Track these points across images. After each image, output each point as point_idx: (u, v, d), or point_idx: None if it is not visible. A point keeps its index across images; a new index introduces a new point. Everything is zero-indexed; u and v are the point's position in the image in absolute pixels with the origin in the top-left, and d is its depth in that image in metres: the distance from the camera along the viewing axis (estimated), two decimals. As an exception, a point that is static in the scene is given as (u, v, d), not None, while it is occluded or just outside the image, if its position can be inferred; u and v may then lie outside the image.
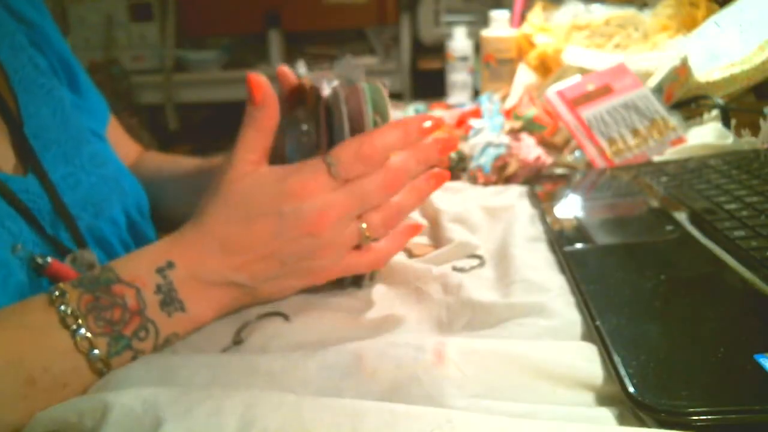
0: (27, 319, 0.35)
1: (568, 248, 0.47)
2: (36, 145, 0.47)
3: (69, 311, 0.35)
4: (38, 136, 0.47)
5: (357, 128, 0.41)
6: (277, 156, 0.51)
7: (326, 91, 0.44)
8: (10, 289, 0.39)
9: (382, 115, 0.42)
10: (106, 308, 0.36)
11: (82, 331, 0.35)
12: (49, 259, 0.42)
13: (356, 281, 0.46)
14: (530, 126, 0.75)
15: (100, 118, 0.62)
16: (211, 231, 0.39)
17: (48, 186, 0.46)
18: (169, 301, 0.38)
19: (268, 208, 0.39)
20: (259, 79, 0.41)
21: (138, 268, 0.38)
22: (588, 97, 0.70)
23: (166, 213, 0.62)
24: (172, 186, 0.65)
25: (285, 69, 0.50)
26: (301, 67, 0.58)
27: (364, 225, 0.41)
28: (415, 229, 0.45)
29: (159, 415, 0.29)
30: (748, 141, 0.63)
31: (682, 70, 0.71)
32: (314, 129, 0.45)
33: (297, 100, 0.49)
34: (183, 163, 0.69)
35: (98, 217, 0.50)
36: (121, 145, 0.65)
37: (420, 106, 0.97)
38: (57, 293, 0.36)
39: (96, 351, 0.35)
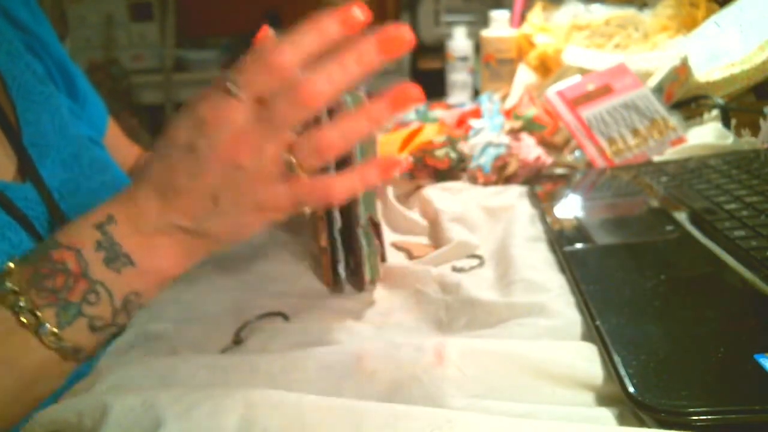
0: None
1: (568, 248, 0.47)
2: (35, 153, 0.47)
3: (9, 287, 0.34)
4: (37, 143, 0.47)
5: None
6: None
7: None
8: None
9: None
10: (47, 276, 0.34)
11: (23, 304, 0.33)
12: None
13: (357, 284, 0.46)
14: (530, 126, 0.75)
15: (99, 125, 0.62)
16: (147, 179, 0.37)
17: (45, 193, 0.46)
18: (114, 256, 0.35)
19: (182, 144, 0.36)
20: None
21: (77, 229, 0.36)
22: (588, 97, 0.70)
23: None
24: None
25: None
26: None
27: (287, 154, 0.35)
28: (390, 165, 0.36)
29: (159, 415, 0.29)
30: (748, 141, 0.63)
31: (682, 70, 0.71)
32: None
33: None
34: None
35: None
36: (121, 147, 0.65)
37: (420, 106, 0.97)
38: (4, 270, 0.35)
39: (46, 326, 0.34)
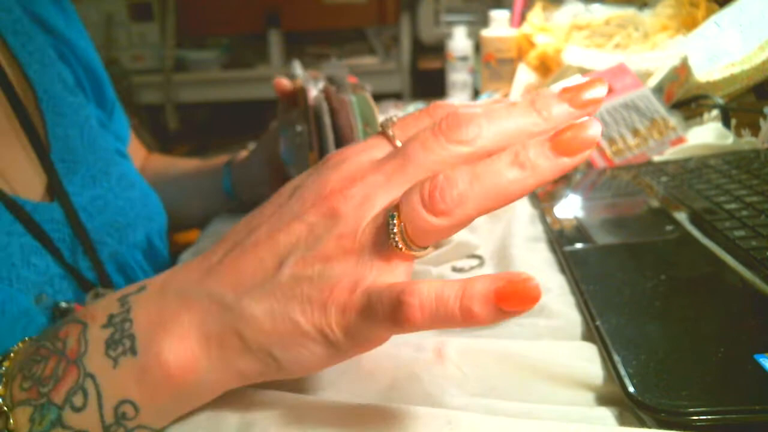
0: None
1: (568, 248, 0.47)
2: (63, 169, 0.45)
3: (2, 372, 0.26)
4: (65, 159, 0.46)
5: (347, 143, 0.41)
6: (274, 158, 0.51)
7: (313, 92, 0.44)
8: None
9: (372, 127, 0.42)
10: (41, 360, 0.25)
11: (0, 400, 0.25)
12: (73, 305, 0.38)
13: None
14: (530, 126, 0.75)
15: (123, 135, 0.62)
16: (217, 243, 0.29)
17: (71, 213, 0.43)
18: (118, 338, 0.26)
19: (288, 185, 0.28)
20: None
21: (103, 301, 0.28)
22: (588, 97, 0.70)
23: (173, 214, 0.61)
24: (170, 188, 0.65)
25: (279, 80, 0.50)
26: (297, 68, 0.58)
27: (394, 221, 0.24)
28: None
29: None
30: (748, 141, 0.63)
31: (682, 70, 0.71)
32: (306, 130, 0.45)
33: (293, 101, 0.49)
34: (181, 164, 0.69)
35: (122, 242, 0.48)
36: (134, 151, 0.65)
37: (420, 105, 0.97)
38: (4, 353, 0.27)
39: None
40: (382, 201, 0.25)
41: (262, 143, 0.59)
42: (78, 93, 0.52)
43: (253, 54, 2.50)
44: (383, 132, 0.28)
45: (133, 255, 0.50)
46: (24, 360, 0.26)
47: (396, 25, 2.37)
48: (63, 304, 0.38)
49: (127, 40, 2.40)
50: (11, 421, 0.24)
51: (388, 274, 0.25)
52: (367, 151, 0.27)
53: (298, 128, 0.46)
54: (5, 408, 0.25)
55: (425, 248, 0.25)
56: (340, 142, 0.41)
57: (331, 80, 0.45)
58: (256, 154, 0.60)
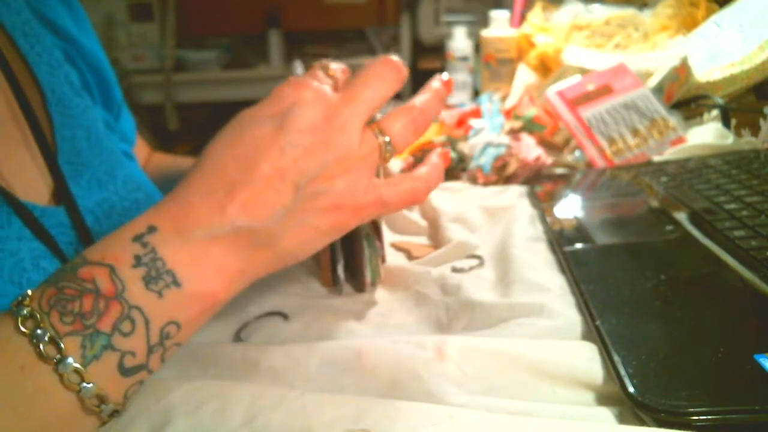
0: None
1: (568, 248, 0.47)
2: (70, 171, 0.45)
3: (26, 311, 0.27)
4: (72, 161, 0.46)
5: None
6: None
7: None
8: None
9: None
10: (74, 298, 0.28)
11: (46, 334, 0.27)
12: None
13: (358, 286, 0.46)
14: (530, 126, 0.75)
15: (131, 137, 0.62)
16: (202, 178, 0.31)
17: (76, 217, 0.43)
18: (156, 274, 0.29)
19: (260, 118, 0.32)
20: None
21: (111, 243, 0.30)
22: (588, 97, 0.70)
23: None
24: (171, 186, 0.65)
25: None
26: (299, 68, 0.58)
27: (380, 134, 0.33)
28: (446, 85, 0.38)
29: (169, 411, 0.30)
30: (748, 141, 0.63)
31: (682, 70, 0.71)
32: None
33: None
34: (182, 162, 0.69)
35: None
36: (138, 150, 0.65)
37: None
38: (18, 299, 0.28)
39: (69, 359, 0.27)
40: (358, 127, 0.33)
41: None
42: (85, 95, 0.52)
43: (253, 54, 2.50)
44: (324, 70, 0.35)
45: None
46: (52, 300, 0.28)
47: (396, 25, 2.37)
48: None
49: (127, 40, 2.40)
50: (63, 346, 0.27)
51: (378, 178, 0.34)
52: (322, 87, 0.33)
53: None
54: (53, 336, 0.27)
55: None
56: None
57: None
58: None
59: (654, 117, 0.68)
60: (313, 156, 0.31)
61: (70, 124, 0.47)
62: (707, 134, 0.65)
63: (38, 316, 0.27)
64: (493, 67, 1.02)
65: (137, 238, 0.29)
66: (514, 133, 0.74)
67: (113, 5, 2.36)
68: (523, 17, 1.05)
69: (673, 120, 0.68)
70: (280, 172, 0.31)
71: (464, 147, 0.70)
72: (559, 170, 0.69)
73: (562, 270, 0.45)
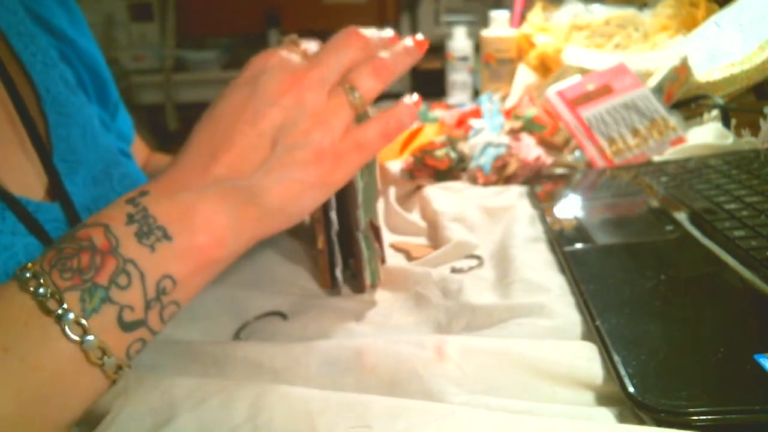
0: None
1: (568, 248, 0.47)
2: (65, 168, 0.45)
3: (29, 274, 0.29)
4: (67, 159, 0.46)
5: None
6: None
7: None
8: None
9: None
10: (71, 256, 0.29)
11: (44, 289, 0.28)
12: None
13: (357, 288, 0.46)
14: (530, 126, 0.75)
15: (128, 135, 0.62)
16: (189, 149, 0.34)
17: (71, 213, 0.44)
18: (147, 230, 0.31)
19: (235, 86, 0.35)
20: None
21: (106, 209, 0.32)
22: (588, 97, 0.70)
23: None
24: None
25: None
26: (274, 41, 0.57)
27: (348, 88, 0.35)
28: (420, 45, 0.39)
29: (174, 406, 0.30)
30: (748, 141, 0.63)
31: (682, 70, 0.71)
32: None
33: None
34: None
35: None
36: (137, 150, 0.65)
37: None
38: (21, 264, 0.30)
39: (70, 313, 0.28)
40: (324, 85, 0.35)
41: None
42: (80, 93, 0.52)
43: (253, 54, 2.50)
44: (293, 43, 0.37)
45: None
46: (52, 260, 0.29)
47: (396, 25, 2.37)
48: None
49: (127, 40, 2.40)
50: (64, 300, 0.28)
51: (351, 125, 0.36)
52: (290, 55, 0.36)
53: None
54: (53, 291, 0.28)
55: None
56: None
57: None
58: None
59: (654, 117, 0.68)
60: (286, 112, 0.34)
61: (65, 122, 0.47)
62: (707, 134, 0.65)
63: (40, 276, 0.29)
64: (493, 67, 1.02)
65: (130, 201, 0.31)
66: (514, 133, 0.74)
67: (113, 5, 2.36)
68: (523, 17, 1.05)
69: (673, 120, 0.68)
70: (256, 130, 0.33)
71: (464, 147, 0.70)
72: (559, 170, 0.69)
73: (562, 270, 0.45)
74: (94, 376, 0.30)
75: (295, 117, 0.34)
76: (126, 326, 0.30)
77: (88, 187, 0.47)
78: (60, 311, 0.28)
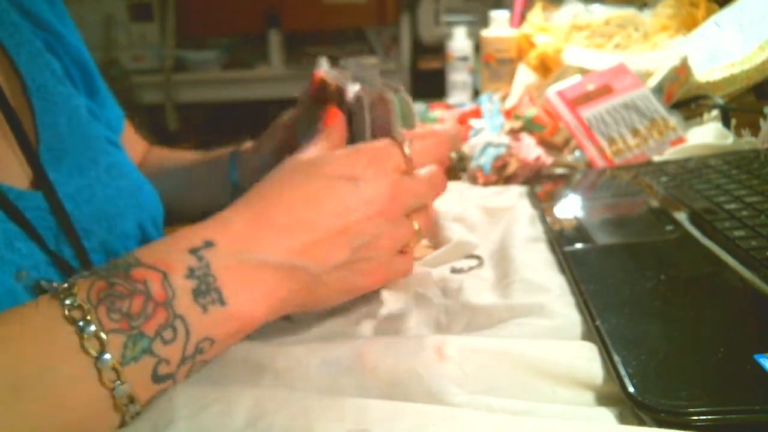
0: (29, 316, 0.28)
1: (568, 248, 0.47)
2: (50, 157, 0.45)
3: (75, 302, 0.28)
4: (53, 147, 0.46)
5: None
6: (285, 148, 0.51)
7: (350, 93, 0.43)
8: None
9: (408, 127, 0.41)
10: (123, 297, 0.28)
11: (91, 327, 0.27)
12: (55, 284, 0.39)
13: None
14: (530, 126, 0.75)
15: (116, 125, 0.61)
16: (268, 207, 0.33)
17: (54, 202, 0.43)
18: (205, 288, 0.30)
19: (344, 172, 0.35)
20: (335, 111, 0.41)
21: (164, 250, 0.31)
22: (588, 97, 0.70)
23: (174, 204, 0.61)
24: (172, 179, 0.64)
25: (320, 73, 0.49)
26: (324, 64, 0.57)
27: (416, 224, 0.38)
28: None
29: (173, 413, 0.30)
30: (748, 141, 0.63)
31: (682, 70, 0.71)
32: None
33: (318, 97, 0.49)
34: (183, 155, 0.69)
35: (111, 231, 0.48)
36: (131, 143, 0.65)
37: (420, 105, 0.97)
38: (65, 285, 0.29)
39: (107, 355, 0.27)
40: (409, 212, 0.38)
41: (271, 134, 0.58)
42: (67, 84, 0.52)
43: (252, 54, 2.50)
44: (400, 144, 0.38)
45: (124, 244, 0.49)
46: (101, 294, 0.28)
47: (396, 25, 2.37)
48: (44, 283, 0.38)
49: (127, 40, 2.40)
50: (106, 342, 0.27)
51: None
52: (397, 167, 0.37)
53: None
54: (98, 330, 0.27)
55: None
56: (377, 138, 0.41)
57: (362, 81, 0.44)
58: (264, 144, 0.59)
59: (654, 117, 0.68)
60: (376, 228, 0.35)
61: (51, 110, 0.47)
62: (707, 134, 0.65)
63: (86, 307, 0.28)
64: (493, 67, 1.02)
65: (194, 251, 0.31)
66: (514, 133, 0.74)
67: (113, 5, 2.36)
68: (523, 17, 1.05)
69: (673, 120, 0.68)
70: (344, 230, 0.34)
71: (464, 147, 0.70)
72: (559, 170, 0.69)
73: (562, 270, 0.45)
74: (113, 421, 0.29)
75: (380, 234, 0.36)
76: (158, 378, 0.30)
77: (74, 175, 0.47)
78: (99, 353, 0.27)
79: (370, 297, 0.45)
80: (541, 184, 0.63)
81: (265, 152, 0.58)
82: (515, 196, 0.61)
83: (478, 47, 1.06)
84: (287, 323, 0.42)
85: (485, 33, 1.02)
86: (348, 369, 0.34)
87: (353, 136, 0.42)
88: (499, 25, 1.01)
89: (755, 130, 0.63)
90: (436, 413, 0.29)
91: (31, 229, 0.40)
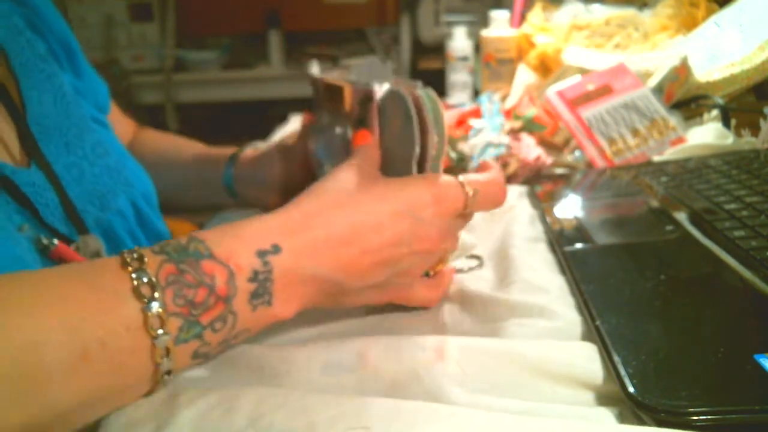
0: (96, 279, 0.29)
1: (568, 248, 0.47)
2: (37, 134, 0.44)
3: (145, 279, 0.29)
4: (40, 124, 0.45)
5: (424, 138, 0.39)
6: (305, 154, 0.51)
7: (378, 94, 0.43)
8: (18, 265, 0.36)
9: (439, 129, 0.39)
10: (190, 286, 0.30)
11: (156, 305, 0.29)
12: (56, 241, 0.39)
13: None
14: (530, 126, 0.75)
15: (102, 103, 0.61)
16: (333, 220, 0.35)
17: (53, 178, 0.43)
18: (261, 292, 0.32)
19: (411, 204, 0.37)
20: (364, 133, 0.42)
21: (235, 246, 0.32)
22: (588, 97, 0.70)
23: (168, 199, 0.61)
24: (175, 173, 0.64)
25: (326, 78, 0.50)
26: (314, 67, 0.57)
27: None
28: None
29: (174, 415, 0.30)
30: (748, 141, 0.63)
31: (682, 70, 0.71)
32: (351, 131, 0.45)
33: (325, 100, 0.49)
34: (184, 148, 0.68)
35: (105, 209, 0.48)
36: (119, 123, 0.64)
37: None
38: (134, 255, 0.30)
39: (165, 336, 0.29)
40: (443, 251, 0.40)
41: (271, 154, 0.59)
42: (51, 61, 0.51)
43: (253, 54, 2.50)
44: (464, 187, 0.39)
45: (119, 221, 0.50)
46: (171, 278, 0.30)
47: (396, 25, 2.37)
48: (44, 240, 0.39)
49: (127, 40, 2.40)
50: (166, 323, 0.29)
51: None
52: (456, 210, 0.39)
53: (338, 129, 0.46)
54: (162, 311, 0.29)
55: None
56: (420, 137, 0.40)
57: (377, 81, 0.44)
58: (265, 161, 0.59)
59: (654, 117, 0.68)
60: (417, 258, 0.37)
61: (36, 87, 0.47)
62: (707, 134, 0.65)
63: (156, 287, 0.29)
64: (493, 67, 1.02)
65: (261, 254, 0.33)
66: (514, 133, 0.74)
67: (113, 5, 2.36)
68: (523, 17, 1.05)
69: (673, 120, 0.68)
70: (390, 257, 0.36)
71: (464, 147, 0.70)
72: (559, 170, 0.69)
73: (562, 270, 0.45)
74: (147, 390, 0.31)
75: (413, 262, 0.38)
76: (195, 356, 0.32)
77: (61, 154, 0.46)
78: (159, 332, 0.29)
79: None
80: (541, 184, 0.63)
81: (263, 170, 0.59)
82: (515, 196, 0.61)
83: (478, 47, 1.06)
84: (287, 323, 0.42)
85: (485, 33, 1.02)
86: (349, 370, 0.34)
87: (384, 133, 0.41)
88: (499, 25, 1.01)
89: (755, 130, 0.63)
90: (436, 412, 0.29)
91: (30, 204, 0.41)
